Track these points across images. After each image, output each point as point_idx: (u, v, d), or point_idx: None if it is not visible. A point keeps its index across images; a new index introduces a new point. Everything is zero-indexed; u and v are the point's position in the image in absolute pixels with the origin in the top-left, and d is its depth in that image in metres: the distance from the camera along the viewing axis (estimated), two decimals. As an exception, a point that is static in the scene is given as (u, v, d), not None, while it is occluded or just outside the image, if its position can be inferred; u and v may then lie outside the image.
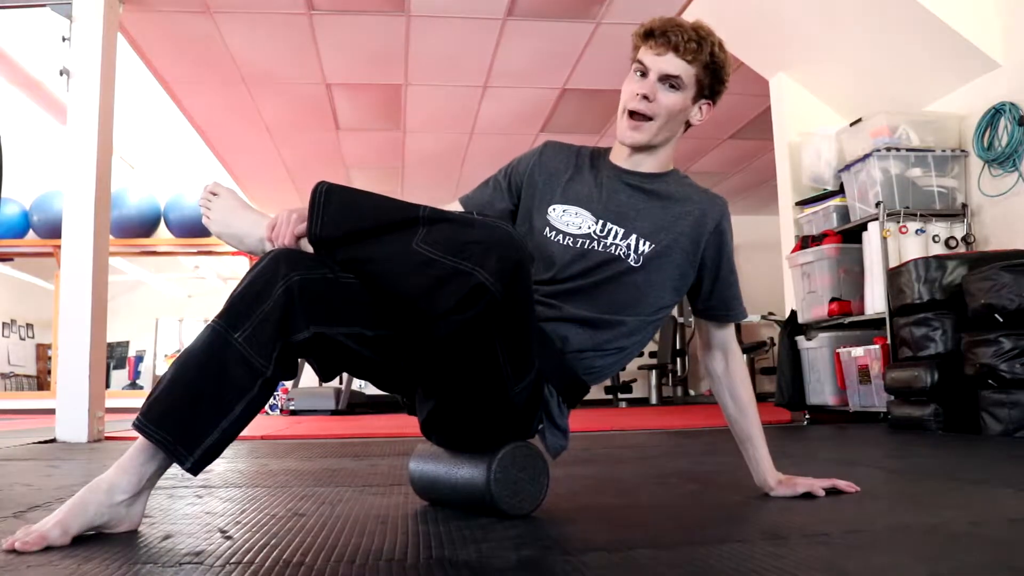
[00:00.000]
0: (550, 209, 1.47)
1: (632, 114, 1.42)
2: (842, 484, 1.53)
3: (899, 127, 3.82)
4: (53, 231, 6.81)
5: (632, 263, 1.40)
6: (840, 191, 4.20)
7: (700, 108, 1.47)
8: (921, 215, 3.72)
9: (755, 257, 9.30)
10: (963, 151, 3.80)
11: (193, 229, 7.40)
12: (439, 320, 1.11)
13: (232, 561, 1.04)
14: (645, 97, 1.40)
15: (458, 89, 5.50)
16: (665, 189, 1.47)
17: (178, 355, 1.20)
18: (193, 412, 1.14)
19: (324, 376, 1.27)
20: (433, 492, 1.50)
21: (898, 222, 3.70)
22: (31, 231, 7.49)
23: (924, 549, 1.09)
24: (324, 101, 5.74)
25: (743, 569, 0.95)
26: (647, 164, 1.48)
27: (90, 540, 1.15)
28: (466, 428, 1.34)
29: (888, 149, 3.78)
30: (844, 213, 4.15)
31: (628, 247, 1.41)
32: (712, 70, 1.42)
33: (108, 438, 3.57)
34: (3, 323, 10.16)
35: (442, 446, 1.46)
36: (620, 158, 1.49)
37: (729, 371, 1.56)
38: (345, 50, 4.93)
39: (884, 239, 3.70)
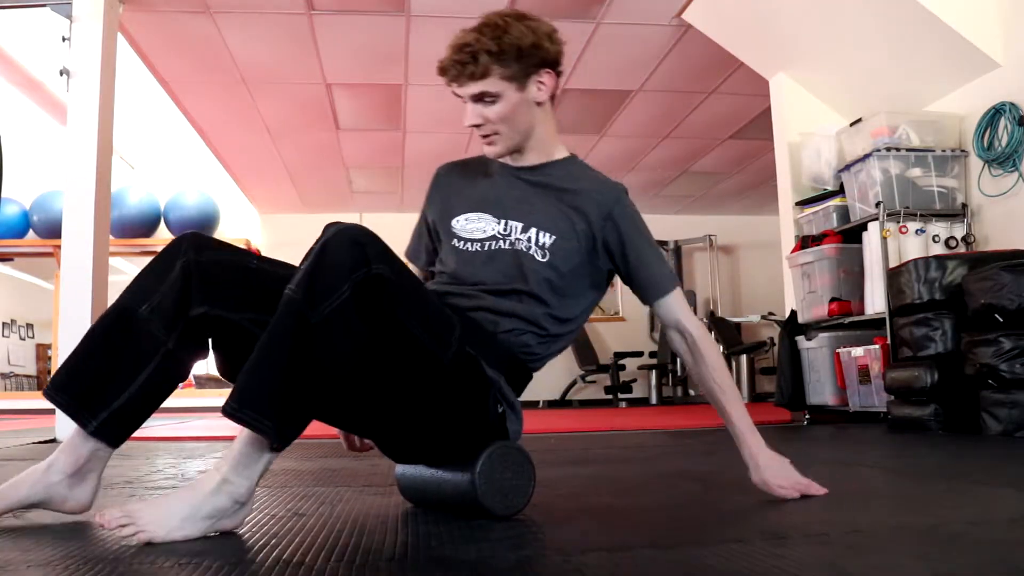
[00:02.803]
0: (453, 222, 1.47)
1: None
2: (813, 490, 1.47)
3: (899, 127, 3.82)
4: (53, 231, 6.81)
5: (539, 259, 1.40)
6: (840, 191, 4.20)
7: (535, 86, 1.40)
8: (921, 215, 3.72)
9: (755, 257, 9.34)
10: (963, 151, 3.80)
11: (193, 229, 7.39)
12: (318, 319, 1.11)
13: (232, 561, 1.04)
14: (477, 126, 1.41)
15: (458, 89, 5.48)
16: (556, 179, 1.46)
17: (89, 327, 1.28)
18: (96, 378, 1.22)
19: (225, 373, 1.28)
20: (420, 495, 1.50)
21: (898, 222, 3.70)
22: (31, 231, 7.49)
23: (924, 549, 1.09)
24: (324, 101, 5.74)
25: (743, 569, 0.95)
26: (529, 158, 1.47)
27: (89, 541, 1.15)
28: (419, 426, 1.29)
29: (888, 149, 3.78)
30: (844, 213, 4.15)
31: (530, 240, 1.41)
32: (514, 55, 1.35)
33: (108, 438, 3.56)
34: (3, 323, 10.16)
35: (409, 460, 1.44)
36: (508, 158, 1.49)
37: (690, 348, 1.48)
38: (345, 50, 4.93)
39: (884, 239, 3.70)
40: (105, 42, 3.76)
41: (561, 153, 1.50)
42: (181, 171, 7.70)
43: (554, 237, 1.41)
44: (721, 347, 8.27)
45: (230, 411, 1.10)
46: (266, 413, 1.10)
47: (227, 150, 6.84)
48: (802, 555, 1.03)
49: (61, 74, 3.73)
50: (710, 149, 6.92)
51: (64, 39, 3.73)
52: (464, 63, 1.35)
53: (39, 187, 7.37)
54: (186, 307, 1.22)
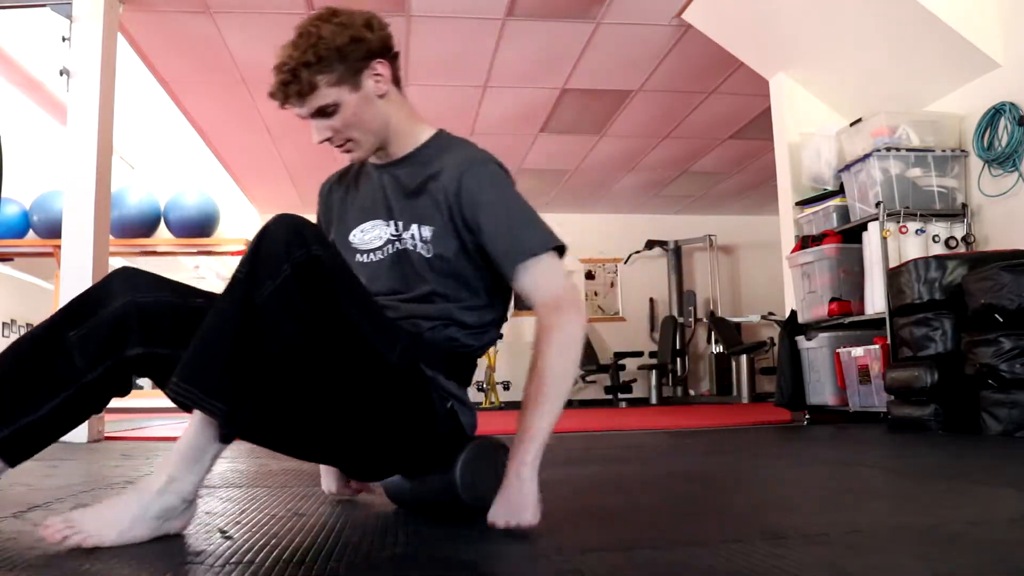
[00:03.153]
0: (351, 237, 1.41)
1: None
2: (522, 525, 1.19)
3: (899, 127, 3.82)
4: (53, 231, 6.80)
5: (426, 255, 1.33)
6: (840, 191, 4.20)
7: (371, 80, 1.32)
8: (921, 215, 3.72)
9: (755, 257, 9.35)
10: (963, 151, 3.80)
11: (193, 229, 7.39)
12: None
13: (232, 561, 1.04)
14: (327, 140, 1.33)
15: (458, 89, 5.50)
16: (423, 165, 1.37)
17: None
18: (5, 398, 1.18)
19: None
20: (407, 498, 1.48)
21: (898, 222, 3.70)
22: (31, 231, 7.48)
23: (924, 549, 1.09)
24: (324, 101, 5.74)
25: (743, 569, 0.95)
26: (394, 150, 1.40)
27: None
28: (373, 431, 1.24)
29: (888, 149, 3.78)
30: (844, 213, 4.15)
31: (414, 237, 1.34)
32: (335, 58, 1.27)
33: (108, 438, 3.56)
34: (3, 323, 10.16)
35: (374, 474, 1.40)
36: (374, 157, 1.42)
37: (536, 324, 1.28)
38: (345, 50, 4.92)
39: (884, 239, 3.70)
40: (105, 42, 3.76)
41: (426, 134, 1.42)
42: (181, 171, 7.70)
43: (432, 228, 1.33)
44: (722, 347, 8.28)
45: (176, 390, 1.07)
46: (214, 394, 1.07)
47: (227, 150, 6.84)
48: (802, 555, 1.03)
49: (61, 74, 3.72)
50: (710, 149, 6.92)
51: (64, 39, 3.73)
52: (287, 83, 1.28)
53: (39, 187, 7.36)
54: (121, 345, 1.21)
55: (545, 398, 1.22)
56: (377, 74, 1.32)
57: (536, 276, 1.26)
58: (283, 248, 1.10)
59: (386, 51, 1.34)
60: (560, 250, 1.29)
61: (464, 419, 1.37)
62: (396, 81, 1.37)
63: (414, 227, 1.34)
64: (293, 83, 1.27)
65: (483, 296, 1.36)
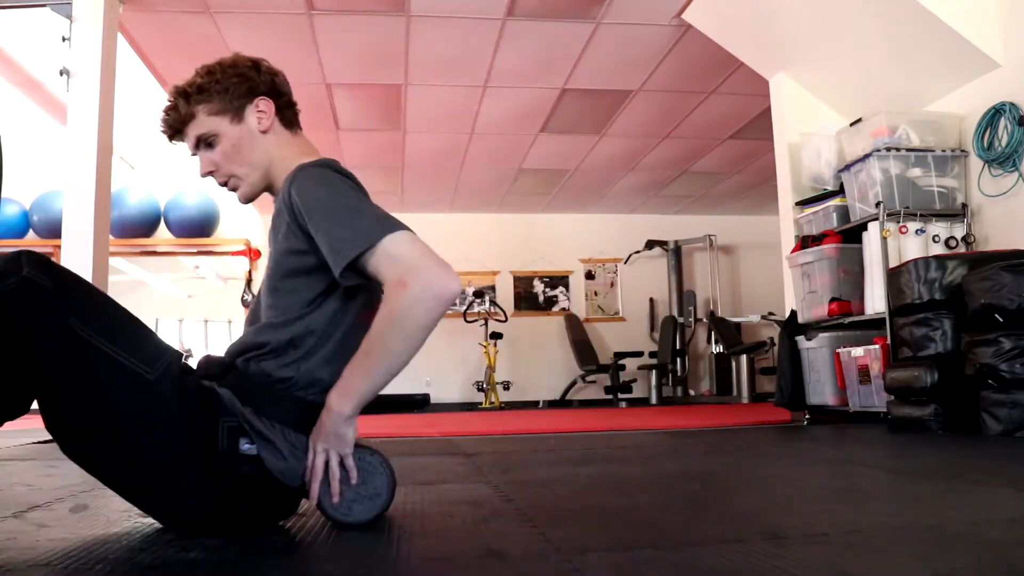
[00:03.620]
0: None
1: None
2: (314, 486, 1.23)
3: (899, 127, 3.83)
4: (53, 231, 6.80)
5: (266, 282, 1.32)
6: (840, 191, 4.20)
7: (255, 116, 1.37)
8: (921, 215, 3.72)
9: (755, 257, 9.35)
10: (963, 151, 3.80)
11: (193, 229, 7.39)
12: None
13: (232, 561, 1.04)
14: (209, 173, 1.38)
15: (458, 89, 5.50)
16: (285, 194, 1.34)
17: None
18: None
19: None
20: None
21: (898, 222, 3.70)
22: (31, 231, 7.48)
23: (924, 549, 1.09)
24: (324, 101, 5.74)
25: (743, 569, 0.95)
26: (276, 188, 1.39)
27: (90, 541, 1.15)
28: (142, 456, 1.17)
29: (888, 149, 3.78)
30: (844, 213, 4.15)
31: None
32: (216, 91, 1.35)
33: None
34: (3, 323, 10.15)
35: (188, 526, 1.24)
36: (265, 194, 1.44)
37: None
38: (345, 50, 4.93)
39: (884, 239, 3.70)
40: (105, 42, 3.77)
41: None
42: (181, 171, 7.70)
43: (270, 250, 1.32)
44: (722, 347, 8.28)
45: None
46: None
47: (227, 150, 6.83)
48: (802, 555, 1.03)
49: (61, 74, 3.73)
50: (710, 149, 6.92)
51: (64, 39, 3.73)
52: (169, 113, 1.37)
53: (39, 187, 7.36)
54: None
55: (364, 355, 1.19)
56: (260, 110, 1.37)
57: (374, 267, 1.18)
58: None
59: (275, 94, 1.39)
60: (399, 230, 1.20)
61: (276, 462, 1.21)
62: (288, 123, 1.41)
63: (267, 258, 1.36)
64: (174, 112, 1.36)
65: (291, 309, 1.28)
